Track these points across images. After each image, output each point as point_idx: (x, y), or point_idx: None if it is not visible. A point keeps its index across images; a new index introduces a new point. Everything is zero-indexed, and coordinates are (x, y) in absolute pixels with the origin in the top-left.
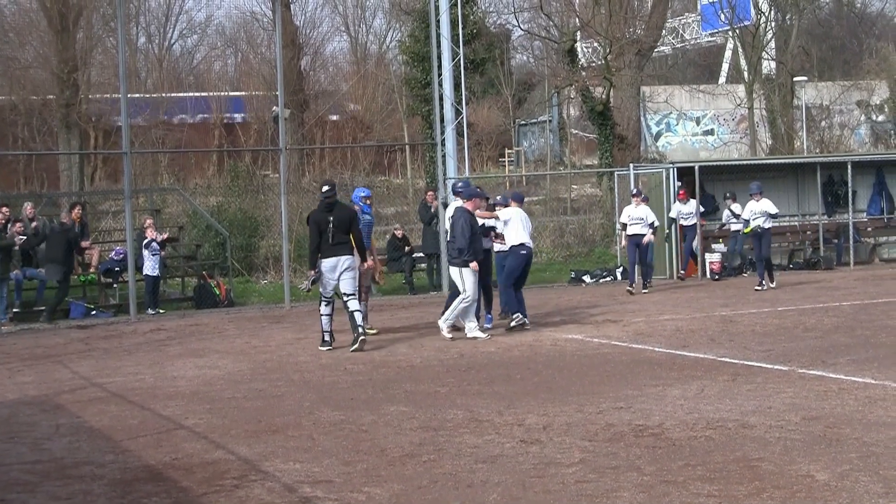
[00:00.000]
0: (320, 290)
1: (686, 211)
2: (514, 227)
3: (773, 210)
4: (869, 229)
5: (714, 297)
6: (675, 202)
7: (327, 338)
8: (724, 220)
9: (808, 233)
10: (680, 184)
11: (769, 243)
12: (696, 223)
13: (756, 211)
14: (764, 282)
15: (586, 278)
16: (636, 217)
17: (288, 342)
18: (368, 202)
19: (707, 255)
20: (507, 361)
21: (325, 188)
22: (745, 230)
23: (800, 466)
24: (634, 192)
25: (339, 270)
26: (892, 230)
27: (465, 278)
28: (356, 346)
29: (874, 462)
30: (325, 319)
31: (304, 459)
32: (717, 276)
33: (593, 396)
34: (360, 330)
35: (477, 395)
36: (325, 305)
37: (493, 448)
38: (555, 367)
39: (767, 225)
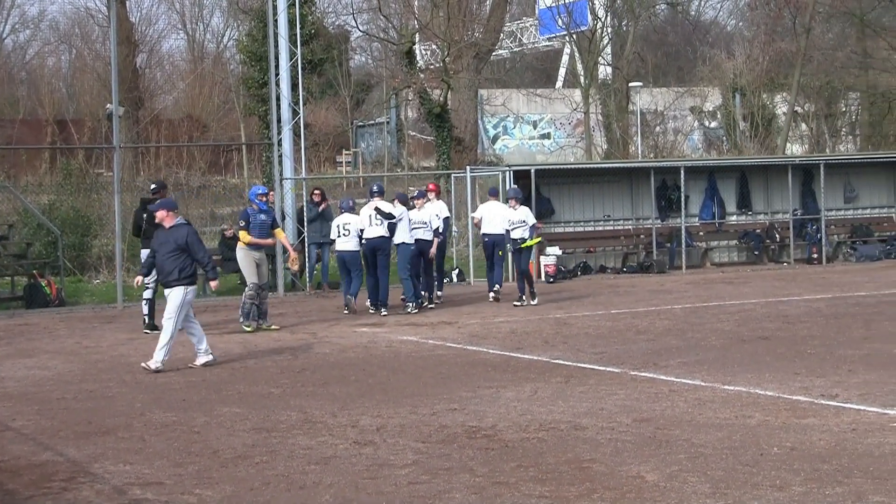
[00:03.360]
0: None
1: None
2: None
3: (532, 220)
4: (701, 234)
5: (548, 299)
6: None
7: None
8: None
9: (642, 236)
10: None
11: (528, 256)
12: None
13: (514, 220)
14: (524, 297)
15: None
16: (516, 221)
17: (120, 342)
18: (264, 199)
19: (542, 258)
20: (342, 363)
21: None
22: (525, 244)
23: (630, 467)
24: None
25: None
26: (724, 235)
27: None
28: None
29: (702, 463)
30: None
31: (134, 461)
32: (551, 279)
33: (427, 398)
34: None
35: (311, 396)
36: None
37: (327, 449)
38: (390, 368)
39: (525, 235)
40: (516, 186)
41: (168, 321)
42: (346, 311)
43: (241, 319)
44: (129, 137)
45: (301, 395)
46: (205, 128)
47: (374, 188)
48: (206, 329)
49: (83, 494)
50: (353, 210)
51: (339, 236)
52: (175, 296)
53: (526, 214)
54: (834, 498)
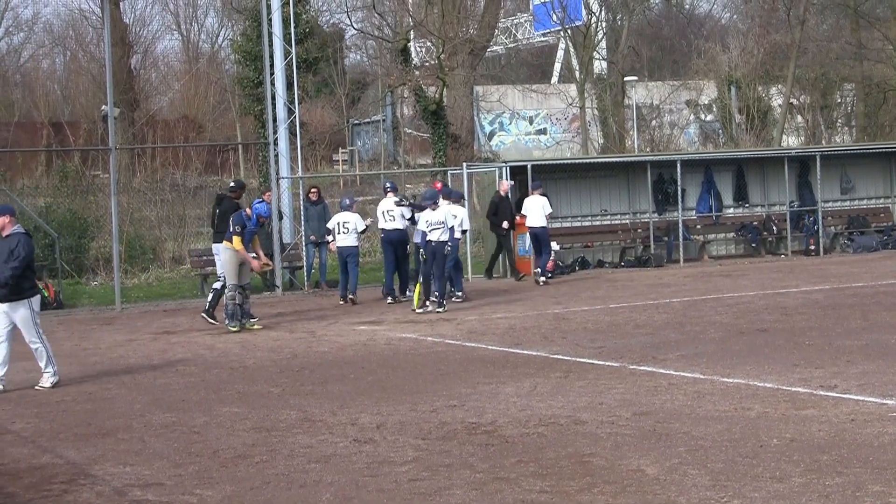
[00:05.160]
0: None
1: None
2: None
3: (453, 221)
4: (698, 227)
5: (546, 294)
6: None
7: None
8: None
9: (639, 230)
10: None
11: (444, 260)
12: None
13: (432, 221)
14: (428, 301)
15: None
16: (434, 222)
17: (119, 344)
18: (263, 200)
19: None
20: (341, 361)
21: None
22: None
23: (630, 461)
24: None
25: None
26: (721, 228)
27: None
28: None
29: (702, 456)
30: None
31: (134, 462)
32: (549, 275)
33: (427, 395)
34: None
35: (310, 395)
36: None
37: (327, 448)
38: (389, 366)
39: (444, 237)
40: (433, 189)
41: (34, 341)
42: (341, 303)
43: (227, 321)
44: (125, 139)
45: (300, 394)
46: (200, 128)
47: (388, 185)
48: (199, 331)
49: (83, 497)
50: (352, 208)
51: (338, 233)
52: (23, 316)
53: (445, 215)
54: (833, 488)
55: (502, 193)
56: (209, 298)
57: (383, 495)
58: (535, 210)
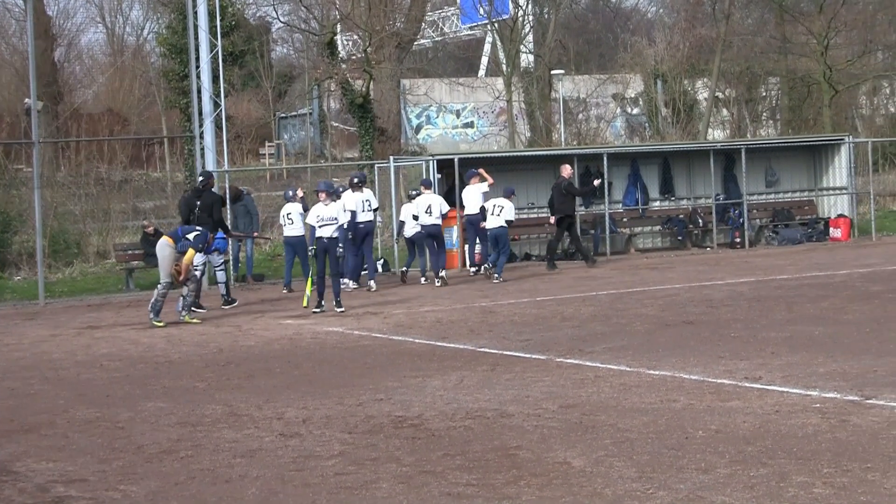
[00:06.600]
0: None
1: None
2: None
3: (344, 217)
4: (625, 220)
5: (473, 288)
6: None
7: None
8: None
9: None
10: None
11: (335, 257)
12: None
13: (323, 217)
14: (324, 301)
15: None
16: (327, 218)
17: (42, 339)
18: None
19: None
20: (267, 355)
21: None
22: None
23: (557, 453)
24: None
25: None
26: (647, 221)
27: None
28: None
29: (628, 447)
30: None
31: (58, 458)
32: (477, 268)
33: (353, 389)
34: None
35: (236, 389)
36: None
37: (252, 442)
38: (315, 359)
39: (336, 234)
40: (327, 180)
41: None
42: (284, 292)
43: (151, 316)
44: (49, 132)
45: (226, 389)
46: (126, 121)
47: (356, 178)
48: (123, 325)
49: (5, 493)
50: (294, 199)
51: (284, 224)
52: None
53: (337, 212)
54: (758, 479)
55: (565, 176)
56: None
57: (309, 489)
58: (473, 200)
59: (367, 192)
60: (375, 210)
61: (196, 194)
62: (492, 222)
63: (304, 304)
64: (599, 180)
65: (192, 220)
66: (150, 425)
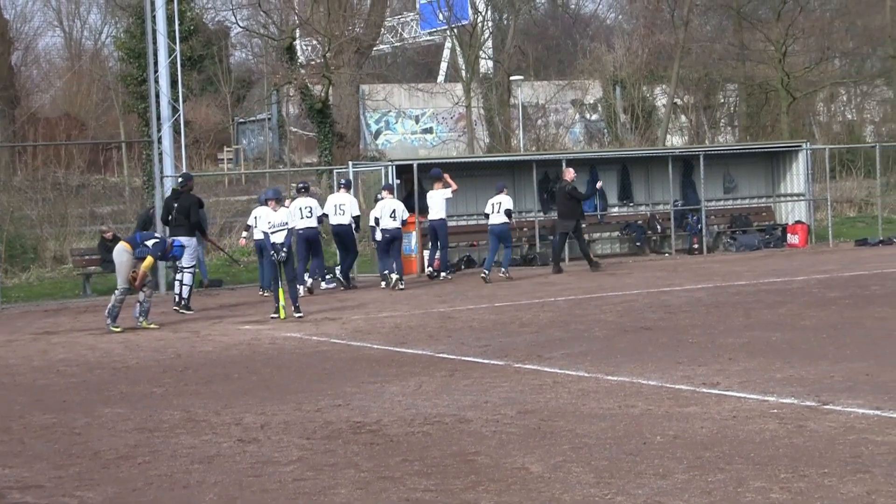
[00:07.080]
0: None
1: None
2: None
3: (294, 222)
4: (584, 226)
5: (431, 293)
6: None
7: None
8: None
9: (525, 230)
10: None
11: (292, 264)
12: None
13: (274, 223)
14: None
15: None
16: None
17: None
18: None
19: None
20: (226, 360)
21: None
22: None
23: (515, 459)
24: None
25: None
26: (606, 227)
27: None
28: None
29: (586, 453)
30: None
31: (13, 464)
32: (435, 274)
33: (312, 394)
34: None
35: (194, 395)
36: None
37: (210, 448)
38: (273, 365)
39: (287, 240)
40: (275, 187)
41: None
42: (261, 293)
43: (108, 322)
44: (5, 136)
45: (184, 394)
46: (83, 126)
47: (343, 181)
48: (80, 331)
49: None
50: (267, 203)
51: (255, 227)
52: None
53: (288, 216)
54: (716, 484)
55: (569, 179)
56: (183, 293)
57: (267, 495)
58: (437, 205)
59: (309, 199)
60: (320, 217)
61: (174, 196)
62: (494, 219)
63: (283, 316)
64: (601, 182)
65: (171, 223)
66: (108, 431)
